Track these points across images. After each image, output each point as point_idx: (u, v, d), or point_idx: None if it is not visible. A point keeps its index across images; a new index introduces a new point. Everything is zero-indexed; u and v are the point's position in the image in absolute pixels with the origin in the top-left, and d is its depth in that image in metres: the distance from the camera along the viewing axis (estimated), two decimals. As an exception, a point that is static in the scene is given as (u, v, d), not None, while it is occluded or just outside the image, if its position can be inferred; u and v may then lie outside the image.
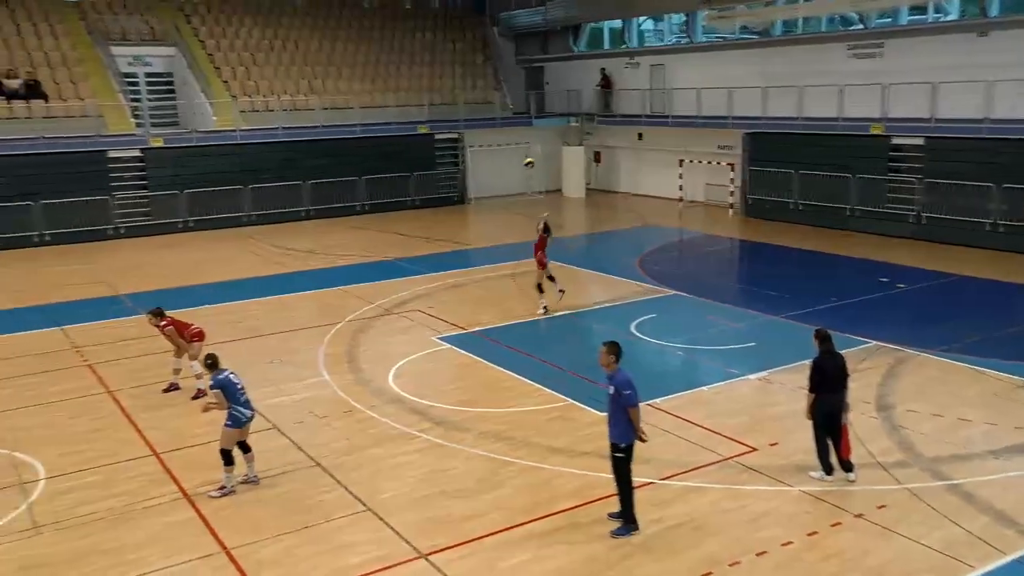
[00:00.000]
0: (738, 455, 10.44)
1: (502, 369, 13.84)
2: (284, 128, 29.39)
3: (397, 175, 31.32)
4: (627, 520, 8.70)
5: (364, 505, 9.42)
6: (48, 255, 24.59)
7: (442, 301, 18.31)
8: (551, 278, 17.28)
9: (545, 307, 16.98)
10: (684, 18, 32.95)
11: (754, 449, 10.59)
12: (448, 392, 13.01)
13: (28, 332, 16.55)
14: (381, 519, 9.11)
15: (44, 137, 25.74)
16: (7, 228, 25.34)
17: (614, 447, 8.56)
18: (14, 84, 26.77)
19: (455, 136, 32.92)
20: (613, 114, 34.06)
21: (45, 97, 27.02)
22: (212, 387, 9.72)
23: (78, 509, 9.47)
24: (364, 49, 34.82)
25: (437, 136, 32.49)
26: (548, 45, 37.75)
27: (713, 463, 10.26)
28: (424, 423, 11.68)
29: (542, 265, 17.08)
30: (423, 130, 31.99)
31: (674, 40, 34.17)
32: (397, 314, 17.37)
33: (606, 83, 34.32)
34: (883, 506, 9.14)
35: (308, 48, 33.76)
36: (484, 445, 10.92)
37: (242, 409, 9.72)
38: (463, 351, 14.84)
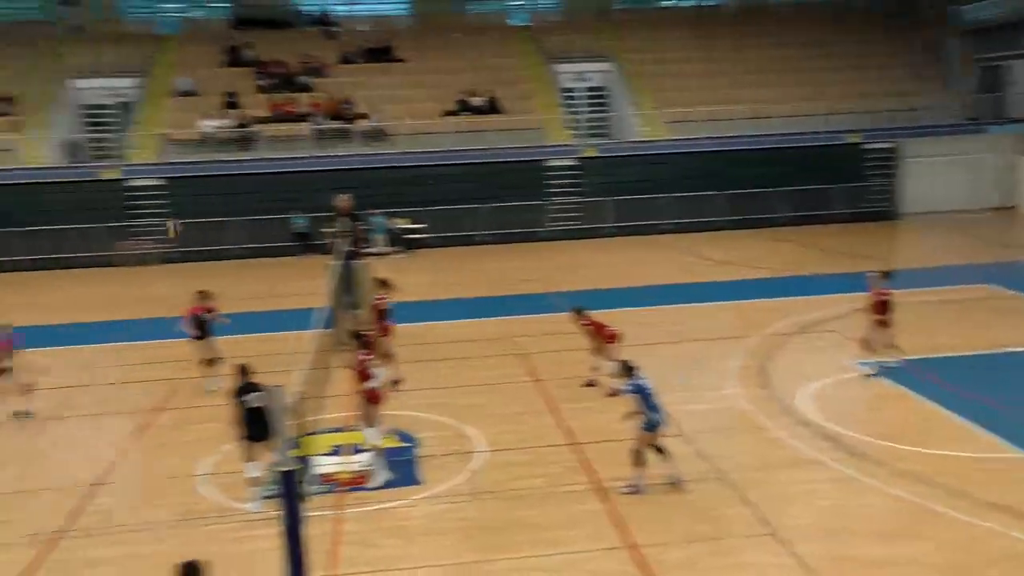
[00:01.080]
0: None
1: (931, 404, 12.60)
2: (707, 138, 29.79)
3: (821, 186, 29.97)
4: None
5: (769, 526, 9.27)
6: (489, 253, 27.92)
7: (863, 323, 17.11)
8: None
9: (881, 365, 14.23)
10: None
11: None
12: (864, 422, 12.22)
13: (476, 320, 19.01)
14: (785, 545, 8.89)
15: (497, 147, 29.31)
16: (457, 227, 29.08)
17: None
18: (477, 101, 30.91)
19: (888, 146, 30.49)
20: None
21: (500, 112, 30.73)
22: (629, 392, 10.28)
23: (509, 483, 10.67)
24: (789, 55, 33.85)
25: (866, 146, 30.41)
26: (1016, 40, 32.94)
27: None
28: (836, 451, 11.11)
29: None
30: (853, 139, 30.15)
31: None
32: (813, 333, 16.70)
33: None
34: None
35: (734, 57, 33.76)
36: (904, 486, 10.05)
37: (654, 415, 10.16)
38: (884, 379, 13.78)
